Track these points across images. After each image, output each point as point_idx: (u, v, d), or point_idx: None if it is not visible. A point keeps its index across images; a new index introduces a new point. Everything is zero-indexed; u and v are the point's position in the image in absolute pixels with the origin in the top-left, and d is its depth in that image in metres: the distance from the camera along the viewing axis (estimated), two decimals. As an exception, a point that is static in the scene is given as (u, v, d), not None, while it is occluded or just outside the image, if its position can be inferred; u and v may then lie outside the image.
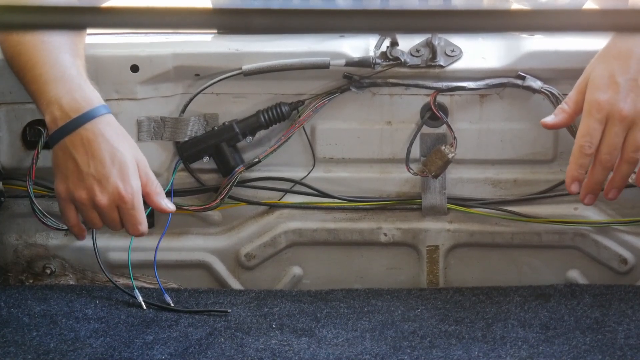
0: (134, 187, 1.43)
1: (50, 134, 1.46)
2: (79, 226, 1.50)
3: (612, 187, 1.46)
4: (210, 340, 1.50)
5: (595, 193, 1.46)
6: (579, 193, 1.47)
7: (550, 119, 1.47)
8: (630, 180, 1.56)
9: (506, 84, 1.60)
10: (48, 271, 1.75)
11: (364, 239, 1.71)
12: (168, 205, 1.49)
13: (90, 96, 1.44)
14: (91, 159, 1.42)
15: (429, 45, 1.61)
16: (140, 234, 1.46)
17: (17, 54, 1.47)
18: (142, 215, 1.45)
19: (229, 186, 1.67)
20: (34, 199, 1.66)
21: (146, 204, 1.68)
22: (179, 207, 1.69)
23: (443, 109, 1.64)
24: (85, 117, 1.42)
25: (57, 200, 1.48)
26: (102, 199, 1.42)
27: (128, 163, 1.43)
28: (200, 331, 1.54)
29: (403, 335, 1.51)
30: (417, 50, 1.62)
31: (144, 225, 1.46)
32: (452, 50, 1.62)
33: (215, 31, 1.69)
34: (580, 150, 1.42)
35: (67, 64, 1.45)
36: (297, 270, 1.74)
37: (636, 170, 1.45)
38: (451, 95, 1.63)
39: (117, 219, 1.45)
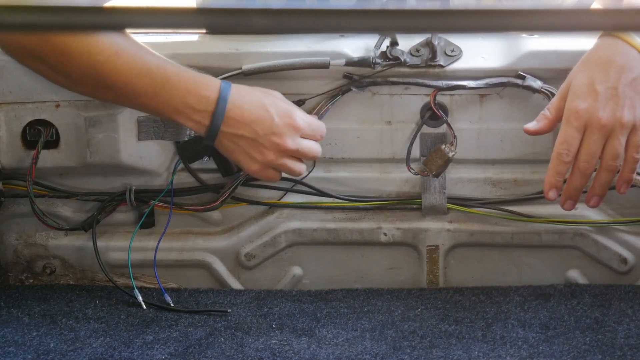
0: (296, 112, 1.49)
1: (204, 135, 1.48)
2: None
3: (592, 194, 1.47)
4: (210, 340, 1.50)
5: (575, 199, 1.47)
6: (557, 199, 1.48)
7: (532, 125, 1.48)
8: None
9: (506, 84, 1.60)
10: (48, 271, 1.75)
11: (364, 239, 1.71)
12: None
13: (207, 83, 1.46)
14: (253, 125, 1.46)
15: (429, 45, 1.61)
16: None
17: (97, 76, 1.44)
18: (320, 125, 1.54)
19: (231, 188, 1.67)
20: (34, 199, 1.67)
21: (147, 203, 1.69)
22: (179, 207, 1.69)
23: (443, 108, 1.64)
24: (222, 104, 1.44)
25: (259, 176, 1.53)
26: (288, 142, 1.48)
27: (278, 101, 1.48)
28: (200, 331, 1.54)
29: (403, 335, 1.51)
30: (417, 50, 1.62)
31: (315, 145, 1.53)
32: (452, 50, 1.62)
33: (215, 31, 1.69)
34: (558, 157, 1.43)
35: (160, 63, 1.45)
36: (297, 270, 1.74)
37: (616, 177, 1.46)
38: (451, 94, 1.63)
39: (310, 146, 1.51)
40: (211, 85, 1.46)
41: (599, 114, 1.40)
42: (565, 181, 1.48)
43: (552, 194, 1.45)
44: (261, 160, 1.48)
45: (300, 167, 1.53)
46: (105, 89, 1.46)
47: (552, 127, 1.47)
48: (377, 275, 1.73)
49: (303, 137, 1.51)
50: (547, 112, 1.47)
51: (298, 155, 1.51)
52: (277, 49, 1.62)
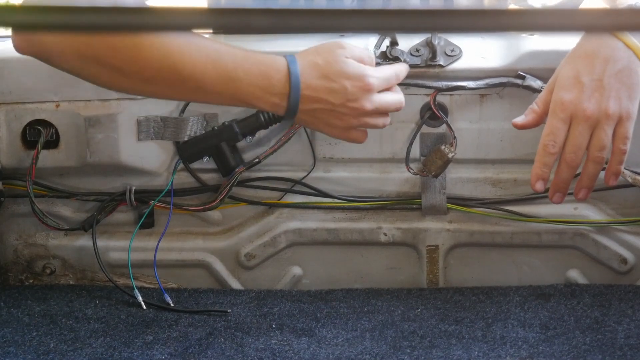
0: (366, 73, 1.45)
1: (283, 115, 1.47)
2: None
3: (581, 187, 1.47)
4: (210, 340, 1.50)
5: (563, 192, 1.47)
6: (545, 192, 1.48)
7: (520, 119, 1.48)
8: (629, 179, 1.56)
9: (506, 84, 1.60)
10: (48, 271, 1.75)
11: (364, 239, 1.71)
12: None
13: (276, 64, 1.44)
14: (329, 97, 1.44)
15: (429, 44, 1.61)
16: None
17: (173, 68, 1.41)
18: (393, 72, 1.51)
19: (229, 186, 1.67)
20: (34, 199, 1.67)
21: (147, 203, 1.69)
22: (178, 207, 1.69)
23: (443, 108, 1.64)
24: (295, 84, 1.43)
25: (345, 138, 1.51)
26: (366, 105, 1.46)
27: (343, 68, 1.45)
28: (200, 331, 1.54)
29: (403, 335, 1.51)
30: (417, 50, 1.62)
31: (393, 97, 1.50)
32: (452, 50, 1.62)
33: (214, 31, 1.69)
34: (544, 149, 1.43)
35: (229, 49, 1.44)
36: (297, 270, 1.74)
37: (604, 169, 1.46)
38: (451, 94, 1.64)
39: (389, 99, 1.49)
40: (280, 65, 1.44)
41: (585, 105, 1.41)
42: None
43: (538, 186, 1.45)
44: (343, 125, 1.47)
45: (383, 120, 1.50)
46: (181, 84, 1.43)
47: (540, 121, 1.48)
48: (377, 275, 1.73)
49: (380, 92, 1.49)
50: (535, 105, 1.47)
51: (378, 112, 1.49)
52: (277, 49, 1.62)
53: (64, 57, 1.42)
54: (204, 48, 1.42)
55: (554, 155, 1.43)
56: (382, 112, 1.48)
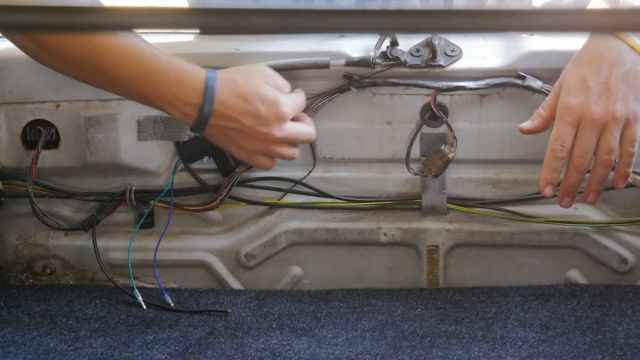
0: (280, 100, 1.47)
1: (191, 126, 1.48)
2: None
3: (590, 190, 1.47)
4: (210, 340, 1.50)
5: (572, 196, 1.47)
6: (554, 196, 1.48)
7: (527, 124, 1.49)
8: (629, 180, 1.56)
9: (506, 84, 1.60)
10: (48, 271, 1.75)
11: (364, 239, 1.71)
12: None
13: (194, 74, 1.45)
14: (241, 117, 1.45)
15: (429, 45, 1.61)
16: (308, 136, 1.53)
17: (93, 56, 1.44)
18: (303, 102, 1.53)
19: (229, 186, 1.67)
20: (34, 199, 1.67)
21: (147, 203, 1.69)
22: (178, 207, 1.69)
23: (443, 108, 1.64)
24: (209, 97, 1.44)
25: (249, 162, 1.54)
26: (275, 132, 1.47)
27: (262, 92, 1.46)
28: (200, 331, 1.54)
29: (403, 335, 1.51)
30: (417, 50, 1.62)
31: (305, 128, 1.52)
32: (452, 50, 1.62)
33: (214, 31, 1.69)
34: (552, 153, 1.43)
35: (154, 51, 1.45)
36: (297, 270, 1.74)
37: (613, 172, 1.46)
38: (451, 95, 1.63)
39: (300, 131, 1.51)
40: (198, 76, 1.45)
41: (592, 108, 1.41)
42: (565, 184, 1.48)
43: (547, 191, 1.45)
44: (250, 148, 1.49)
45: (291, 152, 1.52)
46: (99, 72, 1.45)
47: (547, 125, 1.48)
48: (377, 275, 1.73)
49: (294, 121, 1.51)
50: (542, 110, 1.47)
51: (288, 142, 1.50)
52: (277, 49, 1.62)
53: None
54: (129, 44, 1.43)
55: (562, 160, 1.43)
56: (291, 141, 1.50)
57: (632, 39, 1.41)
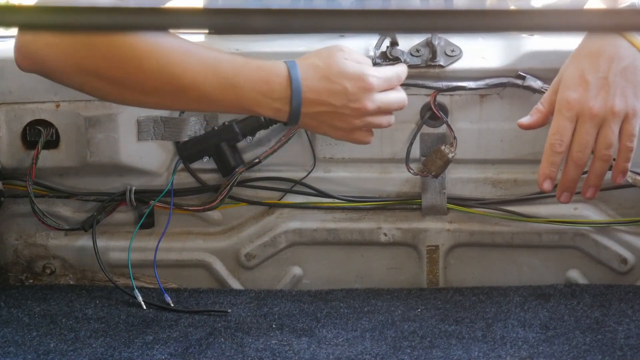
0: (366, 73, 1.45)
1: (286, 120, 1.46)
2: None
3: (588, 185, 1.47)
4: (210, 340, 1.50)
5: (571, 191, 1.47)
6: (552, 191, 1.48)
7: (526, 120, 1.49)
8: (629, 180, 1.56)
9: (506, 84, 1.60)
10: (48, 271, 1.75)
11: (364, 239, 1.71)
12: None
13: (275, 69, 1.43)
14: (330, 99, 1.44)
15: (429, 45, 1.61)
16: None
17: (172, 79, 1.41)
18: (395, 73, 1.50)
19: (229, 186, 1.67)
20: (34, 199, 1.67)
21: (147, 203, 1.69)
22: (178, 207, 1.69)
23: (443, 108, 1.64)
24: (296, 88, 1.43)
25: (351, 140, 1.51)
26: (367, 104, 1.45)
27: (343, 69, 1.44)
28: (200, 331, 1.54)
29: (403, 335, 1.51)
30: (417, 50, 1.62)
31: (394, 94, 1.49)
32: (452, 50, 1.62)
33: (214, 32, 1.69)
34: (551, 148, 1.43)
35: (228, 57, 1.44)
36: (297, 270, 1.74)
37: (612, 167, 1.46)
38: (451, 95, 1.64)
39: (391, 99, 1.48)
40: (280, 70, 1.43)
41: (590, 103, 1.41)
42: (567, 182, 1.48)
43: (546, 185, 1.45)
44: (347, 127, 1.47)
45: (387, 119, 1.49)
46: (182, 94, 1.42)
47: (546, 121, 1.48)
48: (377, 275, 1.73)
49: (381, 91, 1.48)
50: (540, 105, 1.47)
51: (381, 112, 1.48)
52: (277, 49, 1.62)
53: (65, 73, 1.43)
54: (204, 57, 1.42)
55: (561, 155, 1.43)
56: (384, 111, 1.47)
57: (631, 34, 1.41)
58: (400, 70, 1.51)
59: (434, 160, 1.62)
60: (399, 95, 1.49)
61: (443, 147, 1.62)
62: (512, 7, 1.74)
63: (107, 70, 1.40)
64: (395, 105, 1.49)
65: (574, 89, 1.42)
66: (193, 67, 1.40)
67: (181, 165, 1.69)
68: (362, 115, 1.46)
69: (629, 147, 1.43)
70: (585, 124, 1.41)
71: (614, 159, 1.45)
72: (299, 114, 1.44)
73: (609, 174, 1.61)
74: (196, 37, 1.69)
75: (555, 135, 1.42)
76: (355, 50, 1.48)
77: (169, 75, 1.41)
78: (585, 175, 1.47)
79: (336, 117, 1.45)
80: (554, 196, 1.66)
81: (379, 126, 1.49)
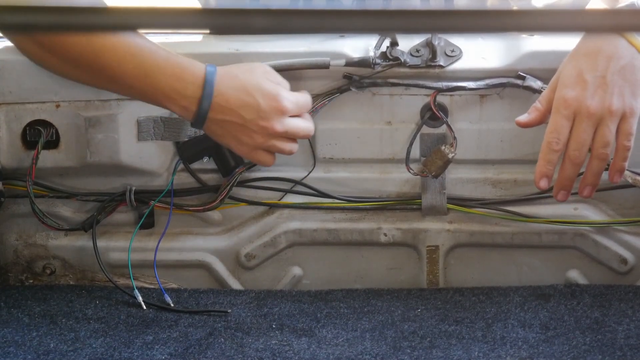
0: (281, 94, 1.47)
1: (191, 121, 1.47)
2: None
3: (585, 184, 1.47)
4: (210, 340, 1.50)
5: (568, 189, 1.47)
6: (549, 190, 1.48)
7: (523, 117, 1.49)
8: (629, 180, 1.56)
9: (506, 84, 1.60)
10: (48, 271, 1.75)
11: (364, 239, 1.71)
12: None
13: (193, 68, 1.45)
14: (240, 110, 1.44)
15: (429, 45, 1.61)
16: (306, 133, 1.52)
17: (93, 54, 1.44)
18: (307, 100, 1.51)
19: (229, 186, 1.67)
20: (34, 199, 1.67)
21: (147, 203, 1.69)
22: (178, 207, 1.69)
23: (443, 109, 1.64)
24: (208, 90, 1.43)
25: (250, 158, 1.52)
26: (275, 126, 1.46)
27: (262, 85, 1.46)
28: (200, 331, 1.54)
29: (403, 335, 1.51)
30: (417, 50, 1.62)
31: (304, 123, 1.50)
32: (452, 50, 1.62)
33: (214, 32, 1.69)
34: (548, 146, 1.43)
35: (152, 47, 1.45)
36: (297, 270, 1.74)
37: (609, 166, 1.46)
38: (451, 95, 1.63)
39: (300, 126, 1.49)
40: (197, 70, 1.44)
41: (588, 102, 1.41)
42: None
43: (543, 183, 1.45)
44: (250, 143, 1.48)
45: (290, 146, 1.51)
46: (99, 71, 1.45)
47: (544, 119, 1.48)
48: (377, 276, 1.73)
49: (292, 115, 1.50)
50: (538, 104, 1.47)
51: (287, 136, 1.50)
52: (277, 49, 1.62)
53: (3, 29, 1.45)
54: (128, 42, 1.43)
55: (557, 153, 1.43)
56: (290, 136, 1.49)
57: (630, 33, 1.40)
58: (310, 99, 1.54)
59: (434, 161, 1.62)
60: (307, 124, 1.52)
61: (443, 148, 1.62)
62: (514, 7, 1.74)
63: (39, 36, 1.43)
64: (302, 133, 1.51)
65: (572, 88, 1.42)
66: (115, 48, 1.42)
67: (181, 166, 1.69)
68: (268, 135, 1.47)
69: (626, 145, 1.43)
70: (583, 122, 1.41)
71: (612, 158, 1.45)
72: (205, 117, 1.45)
73: (607, 177, 1.62)
74: (196, 37, 1.69)
75: (553, 133, 1.42)
76: (277, 74, 1.51)
77: (90, 50, 1.42)
78: (582, 174, 1.48)
79: (242, 130, 1.46)
80: (552, 195, 1.67)
81: (281, 151, 1.51)
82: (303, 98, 1.52)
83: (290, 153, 1.52)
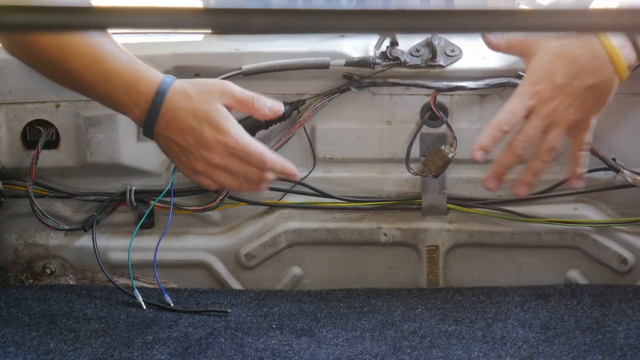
0: (231, 131, 1.38)
1: (143, 131, 1.42)
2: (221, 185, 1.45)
3: (521, 182, 1.43)
4: (210, 340, 1.50)
5: (500, 178, 1.42)
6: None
7: (494, 38, 1.45)
8: (629, 180, 1.56)
9: (506, 84, 1.60)
10: (48, 271, 1.75)
11: (364, 239, 1.71)
12: (273, 105, 1.42)
13: (149, 78, 1.40)
14: (184, 133, 1.38)
15: (429, 45, 1.61)
16: (279, 169, 1.40)
17: (61, 57, 1.41)
18: (260, 154, 1.38)
19: (229, 186, 1.67)
20: (34, 199, 1.67)
21: (147, 203, 1.69)
22: (178, 207, 1.69)
23: (443, 108, 1.64)
24: (157, 102, 1.39)
25: (192, 180, 1.43)
26: (215, 158, 1.38)
27: (212, 114, 1.38)
28: (200, 331, 1.54)
29: (403, 335, 1.51)
30: (417, 50, 1.62)
31: (269, 161, 1.38)
32: (452, 50, 1.62)
33: (209, 31, 1.69)
34: (497, 123, 1.40)
35: (116, 52, 1.41)
36: (297, 270, 1.74)
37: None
38: (451, 95, 1.64)
39: (243, 169, 1.39)
40: (151, 81, 1.39)
41: (550, 103, 1.39)
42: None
43: (478, 155, 1.41)
44: (190, 167, 1.40)
45: (232, 183, 1.41)
46: (66, 74, 1.42)
47: (507, 51, 1.46)
48: (377, 275, 1.73)
49: (237, 156, 1.38)
50: (510, 40, 1.45)
51: (229, 172, 1.40)
52: (277, 49, 1.62)
53: None
54: (94, 45, 1.40)
55: (503, 134, 1.40)
56: (233, 172, 1.39)
57: (616, 51, 1.39)
58: (266, 158, 1.38)
59: (434, 160, 1.62)
60: (254, 175, 1.39)
61: (443, 147, 1.62)
62: (513, 7, 1.73)
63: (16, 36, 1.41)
64: (246, 177, 1.40)
65: (541, 83, 1.40)
66: (80, 51, 1.40)
67: (181, 165, 1.68)
68: (209, 165, 1.39)
69: (582, 155, 1.42)
70: (538, 119, 1.40)
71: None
72: (152, 130, 1.39)
73: (607, 177, 1.62)
74: (196, 36, 1.69)
75: (507, 113, 1.40)
76: (241, 91, 1.40)
77: (58, 54, 1.40)
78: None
79: (183, 153, 1.39)
80: (553, 196, 1.67)
81: (222, 185, 1.42)
82: (256, 151, 1.38)
83: (231, 189, 1.43)
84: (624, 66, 1.38)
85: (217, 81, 1.43)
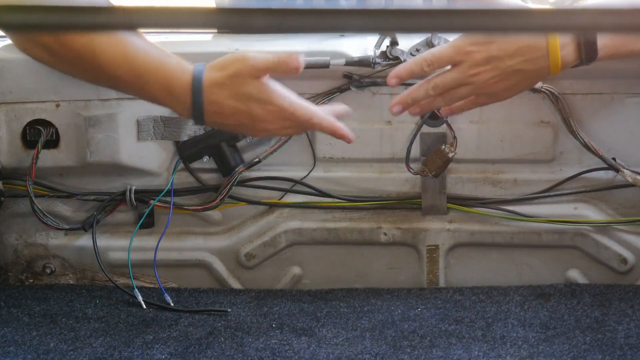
0: (276, 100, 1.40)
1: (194, 123, 1.45)
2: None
3: (398, 100, 1.43)
4: (210, 340, 1.50)
5: (404, 106, 1.43)
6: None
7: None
8: (629, 180, 1.56)
9: (506, 84, 1.60)
10: (48, 271, 1.75)
11: (364, 239, 1.71)
12: (291, 57, 1.41)
13: (182, 79, 1.40)
14: (236, 116, 1.40)
15: (429, 44, 1.61)
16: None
17: (92, 57, 1.42)
18: (308, 115, 1.41)
19: (229, 186, 1.67)
20: (34, 198, 1.67)
21: (147, 203, 1.69)
22: (178, 206, 1.69)
23: (443, 108, 1.64)
24: (197, 102, 1.39)
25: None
26: (271, 125, 1.41)
27: (252, 92, 1.39)
28: (200, 331, 1.54)
29: (403, 334, 1.51)
30: (417, 50, 1.62)
31: (317, 122, 1.42)
32: (452, 50, 1.62)
33: (216, 31, 1.69)
34: (422, 59, 1.41)
35: (147, 48, 1.42)
36: (297, 270, 1.74)
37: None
38: (451, 95, 1.63)
39: (299, 124, 1.42)
40: (184, 81, 1.40)
41: (476, 68, 1.40)
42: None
43: (393, 81, 1.43)
44: (255, 135, 1.45)
45: (294, 131, 1.45)
46: (98, 71, 1.43)
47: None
48: (377, 275, 1.73)
49: (290, 119, 1.41)
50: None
51: (289, 127, 1.42)
52: (277, 48, 1.62)
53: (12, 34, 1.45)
54: (124, 42, 1.41)
55: (422, 72, 1.42)
56: (291, 127, 1.42)
57: (556, 49, 1.39)
58: (318, 120, 1.42)
59: (434, 160, 1.62)
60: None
61: (443, 147, 1.62)
62: (514, 7, 1.73)
63: (44, 40, 1.42)
64: (302, 128, 1.44)
65: (478, 46, 1.41)
66: (110, 49, 1.41)
67: (181, 165, 1.69)
68: (267, 130, 1.42)
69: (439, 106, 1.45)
70: (459, 74, 1.40)
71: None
72: (202, 120, 1.40)
73: (607, 177, 1.62)
74: (197, 36, 1.69)
75: (434, 55, 1.41)
76: (261, 58, 1.39)
77: (88, 50, 1.41)
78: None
79: (244, 128, 1.42)
80: (553, 196, 1.67)
81: (286, 135, 1.45)
82: (301, 111, 1.41)
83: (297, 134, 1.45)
84: (557, 64, 1.40)
85: (237, 58, 1.41)
